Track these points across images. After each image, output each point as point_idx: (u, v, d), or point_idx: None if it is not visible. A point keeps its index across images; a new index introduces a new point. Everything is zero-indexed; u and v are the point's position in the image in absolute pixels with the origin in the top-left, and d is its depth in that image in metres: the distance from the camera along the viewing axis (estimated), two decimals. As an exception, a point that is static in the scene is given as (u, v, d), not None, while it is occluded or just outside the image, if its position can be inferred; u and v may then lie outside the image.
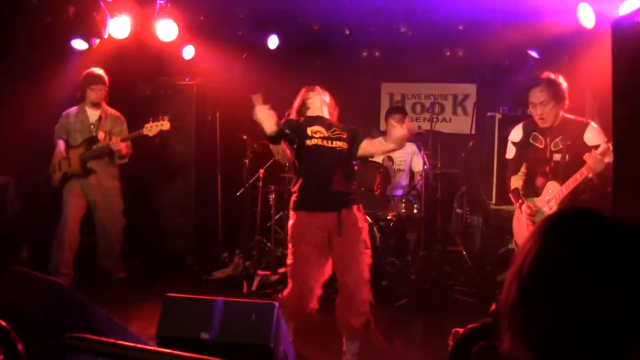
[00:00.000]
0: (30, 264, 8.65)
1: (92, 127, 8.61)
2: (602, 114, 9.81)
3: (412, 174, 9.75)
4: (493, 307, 2.05)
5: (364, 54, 11.38)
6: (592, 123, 6.19)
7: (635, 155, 4.69)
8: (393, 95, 12.37)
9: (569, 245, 1.63)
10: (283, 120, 6.47)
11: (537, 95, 6.17)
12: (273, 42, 10.52)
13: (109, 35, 9.01)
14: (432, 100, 11.58)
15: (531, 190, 6.45)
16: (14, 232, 8.94)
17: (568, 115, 6.28)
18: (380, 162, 9.18)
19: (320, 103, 6.63)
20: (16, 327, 2.66)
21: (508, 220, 6.54)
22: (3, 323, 2.65)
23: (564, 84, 6.22)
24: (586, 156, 5.81)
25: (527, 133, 6.48)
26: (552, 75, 6.22)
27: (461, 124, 11.75)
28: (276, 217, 9.81)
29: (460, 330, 2.33)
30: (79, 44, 8.92)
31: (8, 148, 8.68)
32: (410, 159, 9.62)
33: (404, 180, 9.63)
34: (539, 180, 6.41)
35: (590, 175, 5.81)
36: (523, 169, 6.59)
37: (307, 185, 6.07)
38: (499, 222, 9.20)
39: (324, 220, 5.93)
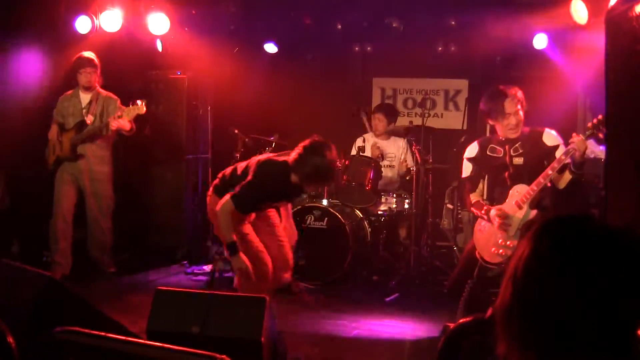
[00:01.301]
0: (20, 258, 8.61)
1: (83, 110, 8.60)
2: (595, 111, 9.83)
3: (402, 169, 9.73)
4: (489, 312, 2.05)
5: (356, 48, 11.35)
6: (547, 129, 6.37)
7: (627, 151, 4.70)
8: (384, 90, 12.34)
9: (559, 247, 1.64)
10: None
11: (511, 105, 6.23)
12: (271, 49, 10.60)
13: (100, 28, 8.99)
14: (423, 96, 11.59)
15: (493, 199, 6.46)
16: (4, 226, 8.90)
17: (524, 127, 6.41)
18: (371, 157, 9.19)
19: None
20: (6, 320, 2.65)
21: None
22: (-7, 316, 2.63)
23: (519, 91, 6.34)
24: (573, 138, 5.93)
25: (483, 148, 6.54)
26: (511, 87, 6.35)
27: (453, 119, 11.74)
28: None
29: (451, 325, 2.32)
30: (82, 25, 8.93)
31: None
32: (402, 155, 9.60)
33: (395, 176, 9.62)
34: (497, 191, 6.43)
35: (554, 170, 5.96)
36: (481, 186, 6.61)
37: None
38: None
39: None
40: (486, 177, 6.58)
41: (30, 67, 9.08)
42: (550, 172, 5.99)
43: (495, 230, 6.17)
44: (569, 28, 8.27)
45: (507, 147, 6.35)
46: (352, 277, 8.93)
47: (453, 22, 9.95)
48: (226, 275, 8.75)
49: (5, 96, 8.92)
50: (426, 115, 9.30)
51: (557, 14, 8.34)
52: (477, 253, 6.37)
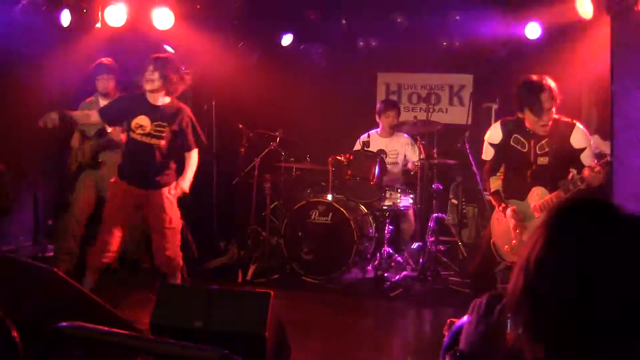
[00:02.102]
0: (25, 252, 8.63)
1: None
2: (599, 105, 9.80)
3: (405, 165, 9.74)
4: (498, 307, 2.03)
5: (361, 43, 11.34)
6: (578, 124, 6.01)
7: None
8: (389, 85, 12.34)
9: (574, 238, 1.60)
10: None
11: (548, 100, 5.89)
12: (287, 40, 10.60)
13: (105, 23, 8.98)
14: (428, 91, 11.59)
15: (510, 192, 6.30)
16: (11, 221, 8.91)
17: (554, 115, 6.03)
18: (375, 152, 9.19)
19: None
20: (10, 315, 2.65)
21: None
22: (-3, 310, 2.64)
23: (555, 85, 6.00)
24: (586, 173, 5.60)
25: (507, 134, 6.23)
26: (548, 79, 5.99)
27: (457, 114, 11.73)
28: (271, 206, 9.81)
29: (456, 320, 2.31)
30: (65, 18, 8.90)
31: (2, 136, 8.65)
32: (404, 151, 9.60)
33: (398, 173, 9.61)
34: (516, 184, 6.26)
35: (572, 190, 5.72)
36: (501, 169, 6.43)
37: None
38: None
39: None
40: (505, 165, 6.41)
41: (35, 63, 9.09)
42: (572, 188, 5.73)
43: (511, 229, 6.08)
44: (573, 22, 8.24)
45: (532, 142, 6.09)
46: (356, 272, 8.93)
47: (457, 18, 9.94)
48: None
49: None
50: (431, 110, 9.31)
51: (562, 8, 8.32)
52: (492, 243, 6.29)
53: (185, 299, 4.57)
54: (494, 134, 6.36)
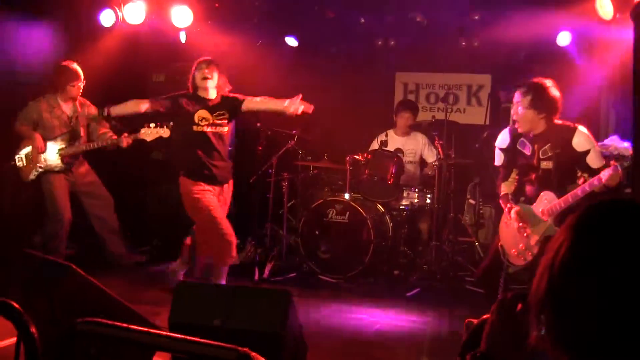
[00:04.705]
0: (42, 248, 8.66)
1: (70, 121, 8.65)
2: (618, 108, 9.77)
3: (423, 165, 9.73)
4: (519, 306, 2.01)
5: (379, 43, 11.32)
6: (580, 127, 5.94)
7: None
8: (407, 85, 12.32)
9: (599, 240, 1.59)
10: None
11: (516, 95, 6.08)
12: (292, 42, 10.62)
13: (124, 20, 9.01)
14: (446, 91, 11.57)
15: (520, 196, 6.30)
16: (26, 217, 8.95)
17: (556, 121, 6.04)
18: (393, 151, 9.18)
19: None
20: (29, 311, 2.66)
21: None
22: (16, 305, 2.65)
23: (554, 93, 5.97)
24: (604, 174, 5.58)
25: (514, 139, 6.31)
26: (543, 83, 6.00)
27: (475, 114, 11.70)
28: (288, 204, 9.81)
29: (474, 320, 2.30)
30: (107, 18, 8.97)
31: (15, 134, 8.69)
32: (421, 151, 9.59)
33: (416, 172, 9.60)
34: (527, 187, 6.27)
35: (591, 190, 5.69)
36: (514, 175, 6.41)
37: None
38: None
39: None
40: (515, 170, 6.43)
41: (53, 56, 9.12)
42: (580, 193, 5.74)
43: (516, 231, 6.10)
44: (593, 23, 8.20)
45: (536, 146, 6.11)
46: (373, 272, 8.91)
47: (477, 17, 9.92)
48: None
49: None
50: (449, 110, 9.29)
51: (582, 9, 8.28)
52: (499, 245, 6.30)
53: (204, 297, 4.57)
54: (503, 139, 6.42)
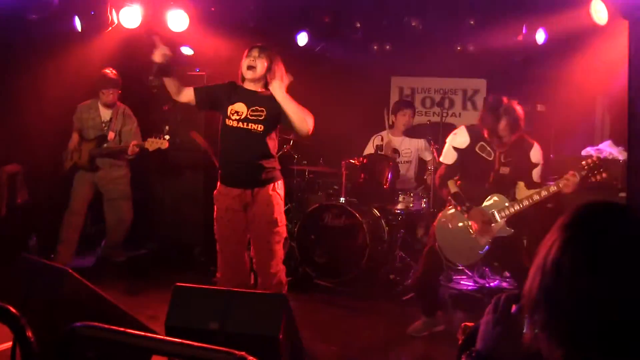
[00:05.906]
0: (38, 252, 8.66)
1: (103, 125, 8.79)
2: (612, 110, 9.79)
3: (420, 165, 9.71)
4: (513, 308, 2.03)
5: (375, 47, 11.34)
6: (536, 145, 6.34)
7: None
8: (403, 89, 12.35)
9: (591, 240, 1.61)
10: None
11: (505, 129, 6.12)
12: (303, 39, 10.59)
13: (119, 24, 9.01)
14: (442, 95, 11.60)
15: (467, 197, 6.42)
16: (23, 220, 8.95)
17: (520, 134, 6.32)
18: (387, 155, 9.19)
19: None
20: (25, 315, 2.66)
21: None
22: (13, 310, 2.65)
23: (520, 111, 6.17)
24: (568, 175, 5.97)
25: (473, 141, 6.39)
26: (513, 107, 6.15)
27: (471, 119, 11.71)
28: (284, 208, 9.80)
29: (470, 324, 2.31)
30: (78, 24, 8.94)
31: (16, 137, 8.70)
32: (417, 152, 9.58)
33: (411, 173, 9.60)
34: (473, 190, 6.43)
35: (541, 197, 6.09)
36: (456, 176, 6.60)
37: None
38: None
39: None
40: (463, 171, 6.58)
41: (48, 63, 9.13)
42: (537, 197, 6.10)
43: (468, 233, 6.31)
44: (588, 28, 8.22)
45: (498, 152, 6.33)
46: (369, 276, 8.91)
47: (472, 22, 9.93)
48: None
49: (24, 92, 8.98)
50: (444, 114, 9.29)
51: (577, 14, 8.29)
52: (437, 247, 6.40)
53: (200, 301, 4.58)
54: (460, 138, 6.51)
